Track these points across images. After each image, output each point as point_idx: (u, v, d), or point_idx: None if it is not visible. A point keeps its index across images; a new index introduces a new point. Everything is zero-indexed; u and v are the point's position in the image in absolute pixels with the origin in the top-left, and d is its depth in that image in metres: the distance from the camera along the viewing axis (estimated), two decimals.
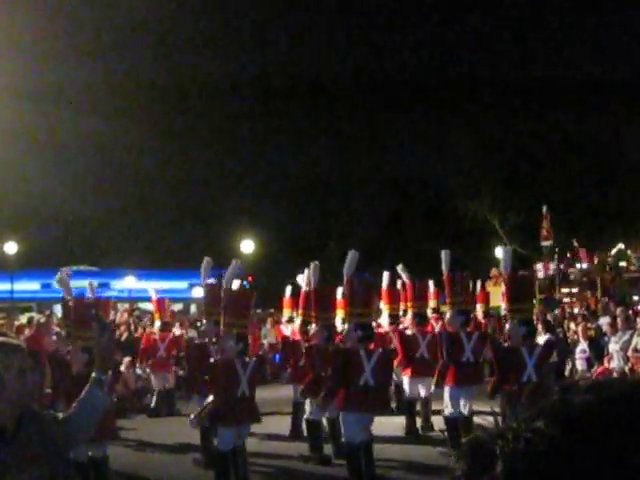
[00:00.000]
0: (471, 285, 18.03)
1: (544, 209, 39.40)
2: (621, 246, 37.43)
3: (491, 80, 52.91)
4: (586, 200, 47.30)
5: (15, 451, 3.60)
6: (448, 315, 14.50)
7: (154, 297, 19.72)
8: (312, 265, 13.96)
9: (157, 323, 19.54)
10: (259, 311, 26.71)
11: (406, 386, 16.01)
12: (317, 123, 58.04)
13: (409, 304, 16.51)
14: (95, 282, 16.86)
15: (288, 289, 17.72)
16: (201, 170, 59.05)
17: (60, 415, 4.05)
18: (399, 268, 16.74)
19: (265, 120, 58.42)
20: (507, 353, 12.03)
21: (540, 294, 35.53)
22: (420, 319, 16.00)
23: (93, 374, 4.13)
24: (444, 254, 14.44)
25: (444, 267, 14.38)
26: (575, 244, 43.71)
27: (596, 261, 35.73)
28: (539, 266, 38.24)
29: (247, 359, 11.39)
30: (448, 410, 13.65)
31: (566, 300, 32.45)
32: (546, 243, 39.18)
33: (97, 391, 4.06)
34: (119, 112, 53.46)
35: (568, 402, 1.01)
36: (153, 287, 20.33)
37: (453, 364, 13.67)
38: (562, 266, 37.62)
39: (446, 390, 13.81)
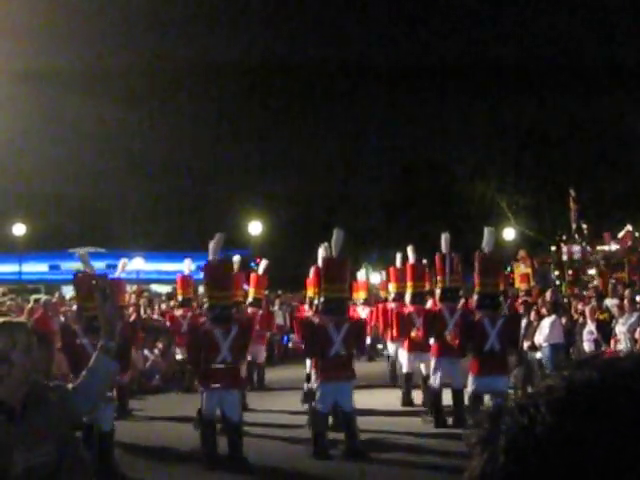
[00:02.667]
0: None
1: (572, 192, 39.48)
2: (629, 228, 37.39)
3: (499, 62, 52.76)
4: (594, 182, 47.10)
5: (23, 429, 3.62)
6: (437, 294, 15.36)
7: (187, 271, 20.83)
8: (322, 246, 14.44)
9: (179, 298, 20.64)
10: (266, 292, 26.75)
11: (404, 361, 16.89)
12: (326, 106, 57.97)
13: (409, 284, 17.06)
14: (127, 261, 17.99)
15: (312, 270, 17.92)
16: (210, 152, 59.03)
17: (69, 386, 4.08)
18: (409, 249, 17.09)
19: (274, 102, 58.36)
20: (472, 324, 13.10)
21: (568, 275, 35.74)
22: (419, 298, 16.69)
23: (100, 342, 4.15)
24: (444, 237, 15.08)
25: (443, 248, 15.05)
26: (584, 226, 43.67)
27: (629, 243, 35.80)
28: (565, 248, 38.50)
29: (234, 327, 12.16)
30: (433, 381, 14.58)
31: (596, 282, 32.50)
32: (574, 225, 39.43)
33: (104, 358, 4.08)
34: (128, 96, 53.46)
35: (571, 379, 1.00)
36: (188, 264, 21.30)
37: (436, 339, 14.64)
38: (590, 248, 37.84)
39: (432, 362, 14.83)
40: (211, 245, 13.09)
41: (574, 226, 39.52)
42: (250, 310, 19.30)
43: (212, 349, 11.95)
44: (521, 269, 31.18)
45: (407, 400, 16.58)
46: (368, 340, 23.21)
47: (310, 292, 17.55)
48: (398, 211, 56.36)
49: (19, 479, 3.53)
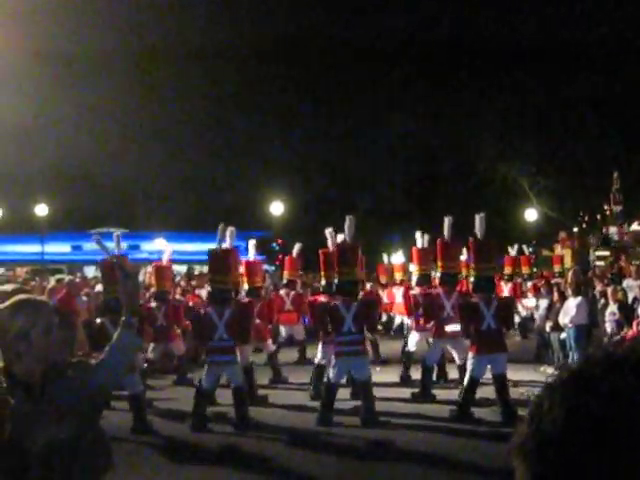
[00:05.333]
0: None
1: (615, 174, 39.49)
2: None
3: (521, 43, 52.36)
4: (616, 162, 46.78)
5: (42, 406, 3.64)
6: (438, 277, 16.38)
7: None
8: (327, 231, 15.44)
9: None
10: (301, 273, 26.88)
11: (412, 340, 17.36)
12: (347, 85, 57.83)
13: (416, 266, 17.78)
14: (170, 247, 19.35)
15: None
16: (231, 133, 59.09)
17: (92, 361, 4.13)
18: (417, 234, 17.49)
19: (297, 84, 58.25)
20: (469, 306, 13.91)
21: (611, 257, 35.84)
22: (425, 280, 17.27)
23: (122, 318, 4.19)
24: (446, 221, 15.62)
25: (445, 233, 15.64)
26: (605, 207, 43.57)
27: None
28: (613, 229, 38.65)
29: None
30: (429, 359, 15.57)
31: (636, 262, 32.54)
32: (617, 207, 39.52)
33: (127, 333, 4.13)
34: (151, 75, 53.50)
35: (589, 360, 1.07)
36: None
37: (435, 320, 15.53)
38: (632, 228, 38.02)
39: (431, 342, 15.93)
40: (218, 234, 14.17)
41: (617, 208, 39.56)
42: (283, 291, 19.69)
43: (210, 327, 13.35)
44: (557, 251, 31.15)
45: (404, 375, 17.15)
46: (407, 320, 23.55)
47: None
48: (420, 193, 56.32)
49: (39, 456, 3.56)
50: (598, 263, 35.05)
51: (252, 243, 18.38)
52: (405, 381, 16.89)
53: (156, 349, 17.66)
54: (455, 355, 15.40)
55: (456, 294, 15.51)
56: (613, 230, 38.86)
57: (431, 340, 15.89)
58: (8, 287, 4.99)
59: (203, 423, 12.94)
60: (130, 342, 4.19)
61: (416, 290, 17.01)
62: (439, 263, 15.92)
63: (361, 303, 13.64)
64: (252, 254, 18.19)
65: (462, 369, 14.79)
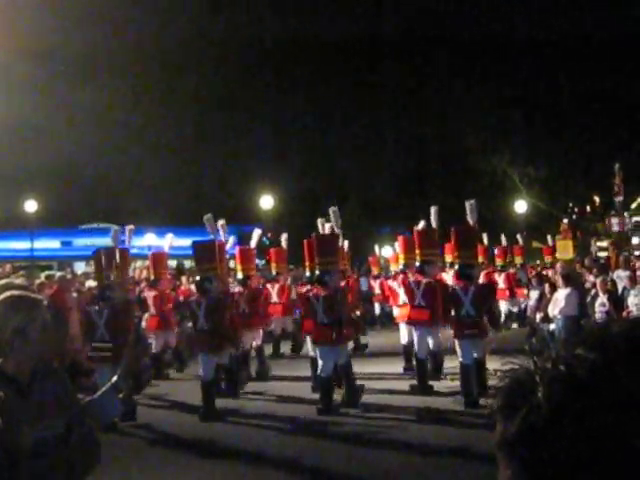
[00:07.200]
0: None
1: (616, 166, 39.57)
2: None
3: (509, 35, 52.42)
4: (607, 153, 46.83)
5: (31, 402, 3.65)
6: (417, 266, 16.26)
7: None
8: (319, 221, 15.62)
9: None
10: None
11: (403, 332, 17.40)
12: (336, 79, 57.82)
13: (402, 254, 17.92)
14: (172, 235, 19.90)
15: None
16: (220, 127, 59.00)
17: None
18: (421, 224, 17.50)
19: (283, 76, 58.21)
20: (448, 293, 14.10)
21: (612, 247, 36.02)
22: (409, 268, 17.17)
23: (114, 378, 4.21)
24: (433, 210, 15.88)
25: (432, 222, 15.91)
26: (595, 198, 43.66)
27: None
28: (614, 220, 38.80)
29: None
30: (417, 350, 15.42)
31: (637, 253, 32.67)
32: (618, 198, 39.63)
33: (110, 396, 4.15)
34: (139, 72, 53.39)
35: (607, 329, 1.08)
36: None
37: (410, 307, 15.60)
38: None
39: (413, 331, 15.86)
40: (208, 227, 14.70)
41: (618, 200, 39.65)
42: (269, 285, 19.61)
43: (191, 316, 13.77)
44: (558, 242, 31.09)
45: (408, 366, 17.01)
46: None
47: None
48: (410, 184, 56.32)
49: (27, 452, 3.56)
50: (600, 254, 35.18)
51: (257, 232, 18.38)
52: (407, 372, 16.71)
53: (159, 339, 17.54)
54: (430, 342, 15.29)
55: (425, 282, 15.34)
56: (615, 221, 39.06)
57: (404, 325, 15.94)
58: (17, 280, 5.02)
59: (213, 413, 13.13)
60: (109, 407, 4.17)
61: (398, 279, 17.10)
62: (417, 251, 15.95)
63: (326, 295, 13.59)
64: (254, 242, 18.17)
65: (434, 356, 15.30)
